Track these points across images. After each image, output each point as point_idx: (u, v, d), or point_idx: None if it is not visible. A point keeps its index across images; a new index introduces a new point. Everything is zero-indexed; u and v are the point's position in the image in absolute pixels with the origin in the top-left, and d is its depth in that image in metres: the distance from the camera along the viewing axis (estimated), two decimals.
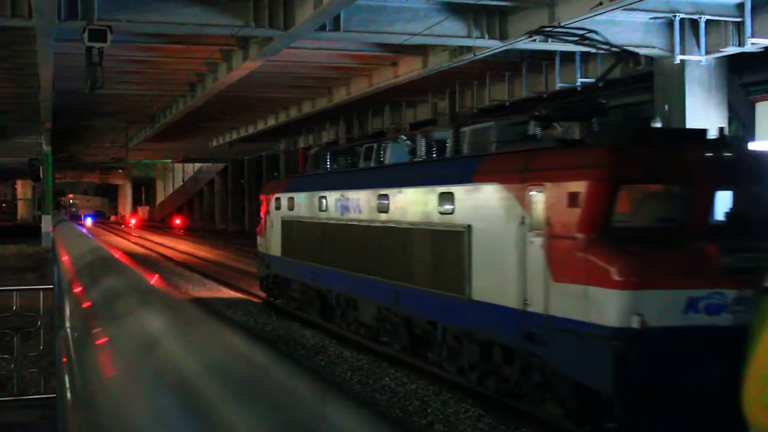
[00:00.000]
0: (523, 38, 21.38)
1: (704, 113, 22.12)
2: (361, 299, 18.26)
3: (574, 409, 11.13)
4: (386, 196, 16.74)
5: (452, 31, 21.91)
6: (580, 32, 15.86)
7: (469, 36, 22.05)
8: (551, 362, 11.37)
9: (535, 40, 21.72)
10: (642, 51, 23.05)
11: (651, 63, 23.83)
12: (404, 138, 18.08)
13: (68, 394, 3.35)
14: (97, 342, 2.39)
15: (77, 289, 3.92)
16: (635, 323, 9.93)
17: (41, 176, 54.76)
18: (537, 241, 11.59)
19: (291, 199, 22.73)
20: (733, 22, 20.93)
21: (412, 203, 15.71)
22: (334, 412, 1.12)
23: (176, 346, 1.76)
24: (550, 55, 26.46)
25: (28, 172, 76.26)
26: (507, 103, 31.41)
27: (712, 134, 11.78)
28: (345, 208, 18.87)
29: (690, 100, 22.32)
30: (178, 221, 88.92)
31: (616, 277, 10.19)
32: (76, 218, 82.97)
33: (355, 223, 18.22)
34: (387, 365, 16.16)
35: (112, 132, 58.67)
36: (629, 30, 22.23)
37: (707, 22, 21.32)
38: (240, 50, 26.59)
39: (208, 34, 23.03)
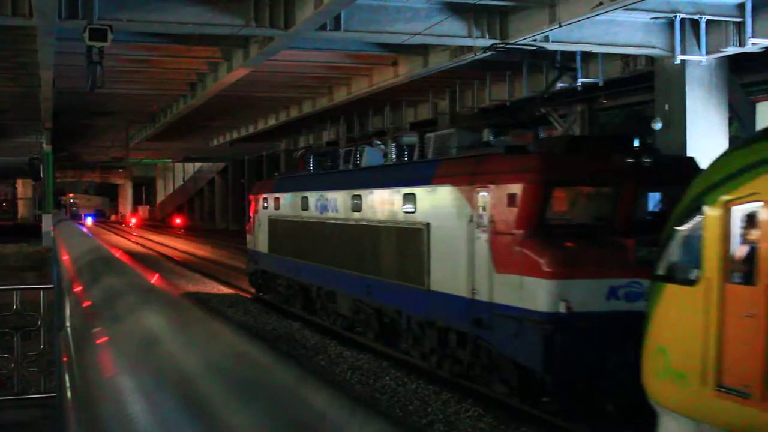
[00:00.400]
0: (525, 37, 21.38)
1: (704, 113, 22.12)
2: (338, 292, 19.81)
3: (516, 387, 12.59)
4: (359, 197, 18.26)
5: (453, 31, 21.90)
6: (532, 48, 17.99)
7: (469, 36, 22.04)
8: (495, 345, 12.85)
9: (536, 40, 21.73)
10: (642, 51, 23.07)
11: (651, 63, 23.83)
12: (378, 143, 19.71)
13: (69, 394, 3.35)
14: (98, 341, 2.39)
15: (77, 289, 3.93)
16: (562, 308, 11.43)
17: (41, 175, 54.74)
18: (483, 237, 13.12)
19: (277, 199, 24.34)
20: (733, 22, 20.92)
21: (380, 203, 17.26)
22: (335, 411, 1.12)
23: (176, 345, 1.76)
24: (550, 55, 26.43)
25: (29, 171, 76.28)
26: (507, 103, 31.40)
27: (637, 143, 13.21)
28: (324, 208, 20.43)
29: (690, 100, 22.31)
30: (178, 221, 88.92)
31: (546, 269, 11.71)
32: (77, 217, 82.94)
33: (333, 221, 19.81)
34: (387, 365, 16.17)
35: (112, 131, 58.66)
36: (630, 30, 22.23)
37: (708, 22, 21.31)
38: (240, 50, 26.61)
39: (209, 34, 23.01)
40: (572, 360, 11.43)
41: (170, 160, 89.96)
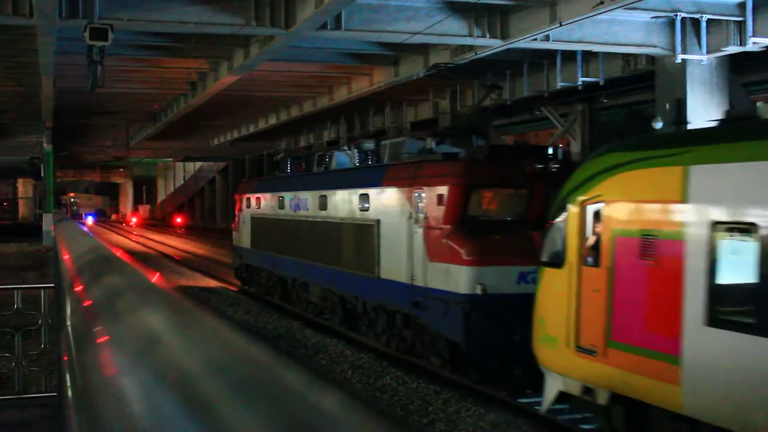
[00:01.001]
0: (526, 37, 21.36)
1: (705, 113, 22.10)
2: (309, 282, 21.90)
3: (448, 360, 14.62)
4: (325, 197, 20.43)
5: (453, 30, 21.90)
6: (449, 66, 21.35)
7: (470, 35, 22.04)
8: (429, 323, 15.04)
9: (536, 39, 21.74)
10: (643, 50, 23.06)
11: (652, 62, 23.82)
12: (345, 148, 21.77)
13: (69, 393, 3.35)
14: (99, 340, 2.39)
15: (78, 288, 3.92)
16: (479, 290, 13.63)
17: (42, 175, 54.75)
18: (419, 232, 15.38)
19: (258, 198, 26.58)
20: (734, 21, 20.93)
21: (342, 202, 19.44)
22: (336, 410, 1.12)
23: (177, 344, 1.76)
24: (551, 54, 26.45)
25: (29, 170, 76.28)
26: (508, 102, 31.39)
27: (549, 151, 15.35)
28: (297, 207, 22.63)
29: (691, 99, 22.30)
30: (179, 220, 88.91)
31: (466, 257, 13.92)
32: (77, 217, 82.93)
33: (304, 219, 21.98)
34: (388, 364, 16.18)
35: (113, 131, 58.68)
36: (630, 29, 22.23)
37: (708, 21, 21.32)
38: (241, 49, 26.61)
39: (209, 33, 23.01)
40: (487, 333, 13.68)
41: (171, 159, 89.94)
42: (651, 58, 23.77)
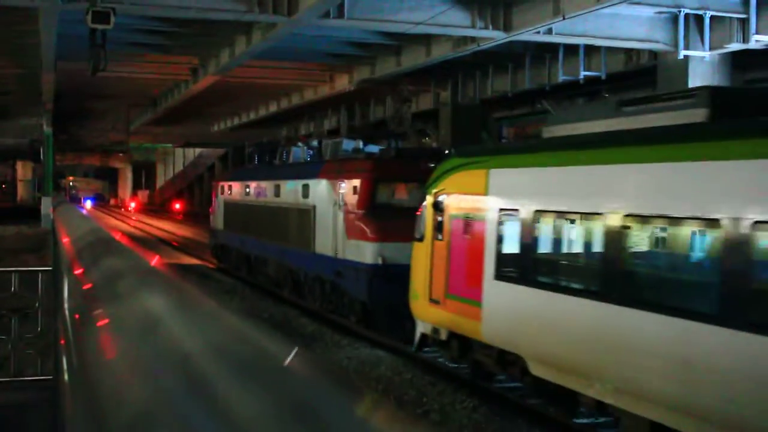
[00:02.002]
0: (529, 29, 21.34)
1: None
2: (267, 258, 25.15)
3: (360, 317, 18.28)
4: (279, 186, 24.04)
5: (456, 21, 21.86)
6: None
7: (473, 26, 22.01)
8: (346, 288, 18.71)
9: (539, 32, 21.72)
10: (646, 46, 23.03)
11: (654, 58, 23.78)
12: (300, 144, 25.65)
13: (66, 376, 3.35)
14: (97, 323, 2.39)
15: (77, 271, 3.92)
16: (380, 261, 17.15)
17: (41, 158, 54.71)
18: (341, 215, 18.93)
19: (230, 186, 30.33)
20: (737, 18, 20.89)
21: (290, 191, 22.90)
22: (334, 390, 1.12)
23: (177, 327, 1.76)
24: (553, 47, 26.41)
25: (29, 153, 76.18)
26: (509, 95, 31.35)
27: (446, 152, 17.40)
28: (259, 194, 26.20)
29: None
30: (177, 206, 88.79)
31: (371, 235, 17.55)
32: (76, 201, 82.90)
33: (263, 204, 25.47)
34: (384, 354, 16.21)
35: (113, 115, 58.59)
36: (633, 24, 22.20)
37: (712, 17, 21.28)
38: (243, 36, 26.56)
39: (211, 19, 22.96)
40: (385, 294, 16.92)
41: (171, 145, 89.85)
42: (653, 54, 23.74)
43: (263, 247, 25.20)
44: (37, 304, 10.96)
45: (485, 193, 12.48)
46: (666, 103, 10.38)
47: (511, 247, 11.92)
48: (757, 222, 7.84)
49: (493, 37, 22.53)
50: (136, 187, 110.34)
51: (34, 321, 11.19)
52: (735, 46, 21.35)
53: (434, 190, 13.87)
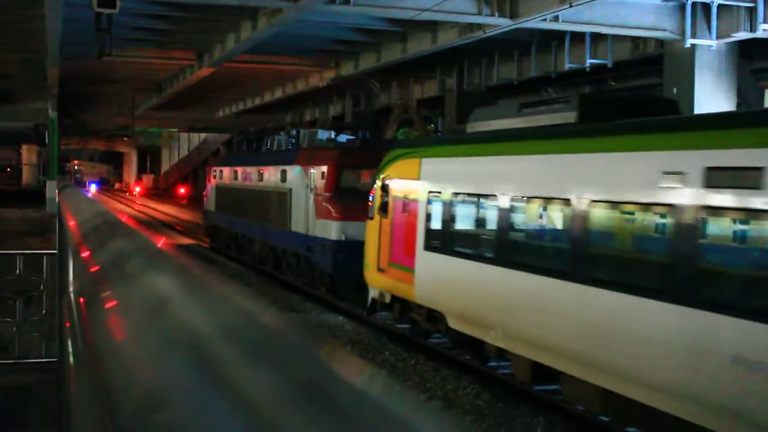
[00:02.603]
0: (535, 16, 21.29)
1: (713, 98, 22.02)
2: (253, 237, 27.55)
3: (328, 287, 20.64)
4: (262, 171, 26.56)
5: (462, 8, 21.79)
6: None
7: (479, 13, 21.94)
8: (315, 261, 21.18)
9: (545, 19, 21.65)
10: (652, 34, 22.96)
11: (661, 46, 23.70)
12: (283, 133, 27.98)
13: (71, 358, 3.36)
14: (103, 305, 2.40)
15: (83, 253, 3.93)
16: (342, 237, 19.72)
17: (47, 141, 54.73)
18: (311, 198, 21.45)
19: (221, 171, 32.93)
20: (745, 7, 20.80)
21: (271, 175, 25.46)
22: (347, 372, 1.12)
23: (184, 309, 1.76)
24: (560, 35, 26.33)
25: (34, 137, 76.15)
26: (515, 82, 31.30)
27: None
28: (245, 178, 28.77)
29: (699, 84, 22.19)
30: (182, 190, 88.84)
31: (335, 215, 20.11)
32: (81, 184, 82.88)
33: (249, 188, 27.98)
34: (387, 340, 16.24)
35: (118, 99, 58.56)
36: (640, 12, 22.12)
37: (719, 6, 21.20)
38: (249, 21, 26.51)
39: (216, 5, 22.92)
40: (347, 266, 19.05)
41: (176, 129, 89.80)
42: (660, 42, 23.65)
43: (249, 227, 27.77)
44: (41, 287, 11.00)
45: (418, 178, 15.08)
46: (550, 106, 12.84)
47: (436, 223, 14.41)
48: (593, 201, 10.36)
49: (499, 24, 22.46)
50: (141, 171, 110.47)
51: (38, 304, 11.23)
52: (742, 35, 21.27)
53: (382, 176, 16.38)
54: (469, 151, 14.05)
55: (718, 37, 21.56)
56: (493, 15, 21.89)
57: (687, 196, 8.98)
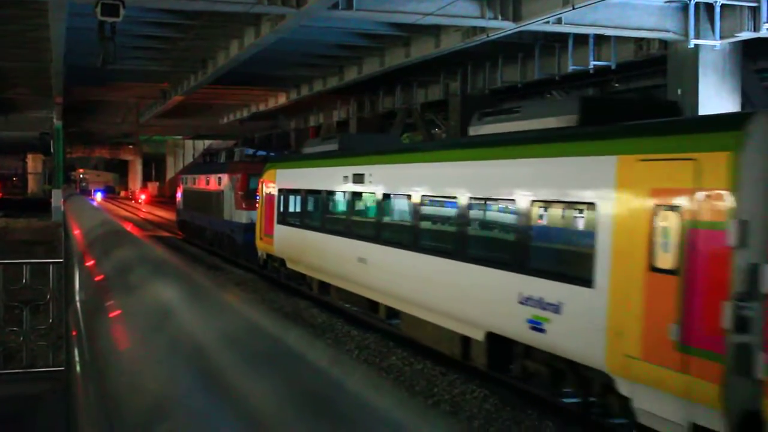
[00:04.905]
0: (538, 19, 21.29)
1: (717, 98, 21.98)
2: (205, 227, 36.66)
3: (240, 253, 29.81)
4: (209, 178, 36.04)
5: (465, 12, 21.79)
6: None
7: (482, 17, 21.94)
8: (234, 238, 30.64)
9: (548, 22, 21.65)
10: (656, 35, 22.94)
11: (665, 47, 23.68)
12: (224, 151, 39.92)
13: (78, 367, 3.36)
14: (109, 314, 2.40)
15: (88, 262, 3.93)
16: (247, 221, 28.77)
17: (52, 150, 54.82)
18: (233, 195, 30.89)
19: (186, 178, 43.48)
20: (748, 6, 20.77)
21: (213, 181, 35.07)
22: (350, 382, 1.12)
23: (189, 318, 1.76)
24: (563, 37, 26.33)
25: (39, 146, 76.25)
26: (519, 85, 31.29)
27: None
28: (199, 183, 38.44)
29: (703, 84, 22.16)
30: None
31: (244, 207, 29.65)
32: (86, 193, 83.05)
33: (201, 190, 37.59)
34: (394, 344, 16.22)
35: (123, 107, 58.68)
36: (644, 13, 22.10)
37: (722, 6, 21.18)
38: (252, 28, 26.55)
39: (220, 12, 22.94)
40: (249, 239, 27.01)
41: (181, 137, 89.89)
42: (663, 43, 23.63)
43: (202, 219, 37.30)
44: (48, 296, 11.00)
45: (275, 181, 23.88)
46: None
47: (282, 207, 23.18)
48: (354, 192, 17.80)
49: (502, 27, 22.46)
50: (146, 179, 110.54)
51: (45, 313, 11.23)
52: (746, 35, 21.23)
53: (262, 179, 25.20)
54: (299, 165, 22.91)
55: (721, 37, 21.53)
56: (496, 18, 21.89)
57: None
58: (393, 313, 16.46)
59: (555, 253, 11.70)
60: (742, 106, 23.12)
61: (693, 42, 21.70)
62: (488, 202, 13.26)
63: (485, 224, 13.63)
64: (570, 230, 11.55)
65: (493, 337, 12.52)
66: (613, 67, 25.99)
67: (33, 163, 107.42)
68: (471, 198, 13.23)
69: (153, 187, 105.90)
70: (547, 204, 11.68)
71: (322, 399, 1.08)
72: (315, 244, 19.88)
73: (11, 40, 30.54)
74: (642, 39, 24.40)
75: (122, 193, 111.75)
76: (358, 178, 17.71)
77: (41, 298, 11.19)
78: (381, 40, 29.26)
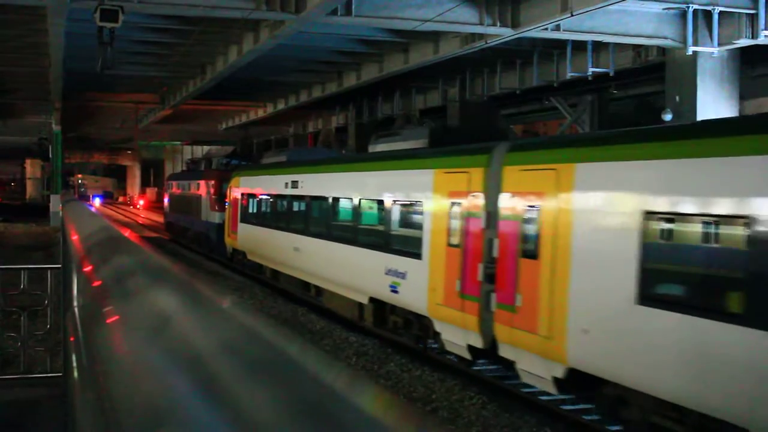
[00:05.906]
0: (536, 26, 21.32)
1: (715, 105, 22.01)
2: (187, 227, 41.19)
3: (213, 249, 34.69)
4: (189, 184, 40.71)
5: (464, 18, 21.81)
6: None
7: (480, 23, 21.95)
8: (209, 236, 35.34)
9: (547, 29, 21.69)
10: (654, 42, 22.96)
11: (663, 54, 23.71)
12: (204, 160, 47.24)
13: (75, 373, 3.36)
14: (106, 320, 2.40)
15: (87, 268, 3.93)
16: (219, 221, 33.24)
17: (50, 156, 54.80)
18: (208, 200, 35.93)
19: (171, 184, 48.21)
20: (746, 14, 20.81)
21: (193, 186, 39.32)
22: (347, 390, 1.12)
23: (187, 325, 1.76)
24: (561, 44, 26.35)
25: (38, 151, 76.26)
26: (517, 92, 31.31)
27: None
28: (182, 189, 43.17)
29: (701, 91, 22.18)
30: None
31: (217, 209, 34.31)
32: (85, 198, 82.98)
33: (183, 195, 42.29)
34: (392, 351, 16.21)
35: (121, 113, 58.63)
36: (642, 20, 22.13)
37: (720, 13, 21.21)
38: (251, 33, 26.56)
39: (219, 17, 22.96)
40: (221, 237, 31.25)
41: (179, 142, 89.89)
42: (662, 50, 23.65)
43: (185, 221, 41.85)
44: (46, 302, 10.99)
45: (238, 186, 28.48)
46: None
47: (243, 208, 27.59)
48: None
49: (501, 33, 22.48)
50: (145, 184, 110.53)
51: (43, 318, 11.22)
52: (744, 42, 21.26)
53: (229, 185, 30.01)
54: (257, 173, 27.20)
55: (719, 44, 21.56)
56: (494, 25, 21.91)
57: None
58: (319, 291, 20.82)
59: (404, 238, 15.87)
60: (740, 113, 23.14)
61: (691, 49, 21.73)
62: (369, 202, 17.71)
63: (368, 217, 17.93)
64: (411, 221, 15.69)
65: (373, 301, 17.01)
66: (612, 73, 26.00)
67: (31, 168, 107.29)
68: (360, 199, 17.96)
69: (151, 192, 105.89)
70: (400, 202, 16.15)
71: (319, 406, 1.08)
72: (266, 238, 25.08)
73: (10, 45, 30.54)
74: (640, 46, 24.43)
75: (120, 199, 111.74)
76: (295, 184, 22.72)
77: (39, 303, 11.18)
78: (380, 46, 29.27)
